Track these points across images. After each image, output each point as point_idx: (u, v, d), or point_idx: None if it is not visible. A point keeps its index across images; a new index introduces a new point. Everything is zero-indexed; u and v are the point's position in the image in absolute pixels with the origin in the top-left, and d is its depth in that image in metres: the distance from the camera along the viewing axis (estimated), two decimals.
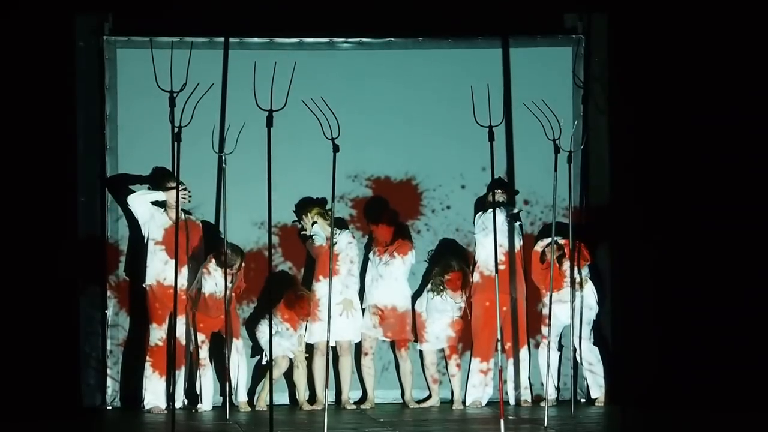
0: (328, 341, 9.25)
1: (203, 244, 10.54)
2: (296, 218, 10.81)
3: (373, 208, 10.91)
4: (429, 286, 10.60)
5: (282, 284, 10.55)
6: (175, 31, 10.50)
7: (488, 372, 10.66)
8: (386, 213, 10.79)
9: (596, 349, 10.61)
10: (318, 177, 10.14)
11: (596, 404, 10.59)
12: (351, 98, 10.70)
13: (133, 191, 10.54)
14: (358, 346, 10.72)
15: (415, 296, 10.72)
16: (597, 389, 10.66)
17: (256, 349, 10.60)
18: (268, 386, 9.43)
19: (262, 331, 10.31)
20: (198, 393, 10.45)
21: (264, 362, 10.36)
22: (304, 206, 10.71)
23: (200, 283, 10.30)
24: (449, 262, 10.58)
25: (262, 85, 8.37)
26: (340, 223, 10.75)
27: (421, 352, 10.75)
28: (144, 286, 10.37)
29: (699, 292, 10.29)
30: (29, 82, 10.29)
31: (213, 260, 10.28)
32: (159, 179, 10.56)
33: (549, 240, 10.22)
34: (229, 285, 10.21)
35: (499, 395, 9.02)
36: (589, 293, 10.59)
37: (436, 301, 10.51)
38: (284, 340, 10.34)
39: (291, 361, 10.47)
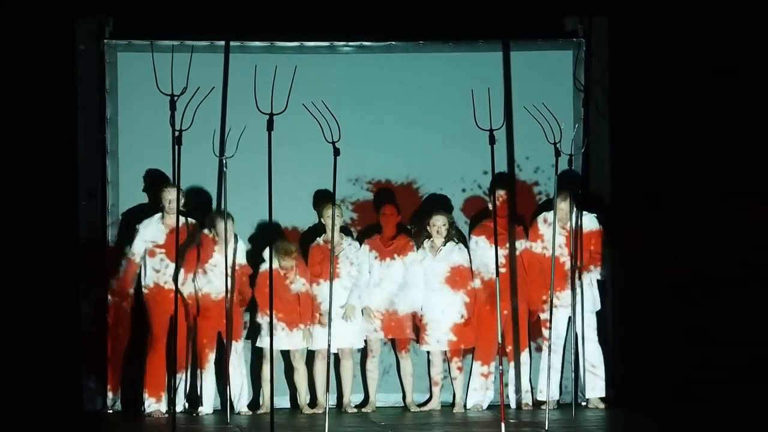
0: (329, 344, 9.26)
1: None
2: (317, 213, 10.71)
3: (381, 198, 10.85)
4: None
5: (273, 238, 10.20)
6: (175, 35, 10.50)
7: (489, 375, 10.64)
8: (393, 202, 10.76)
9: (600, 350, 10.58)
10: (319, 180, 10.14)
11: (590, 405, 10.56)
12: (352, 102, 10.69)
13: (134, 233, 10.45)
14: (362, 349, 10.70)
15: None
16: (596, 390, 10.63)
17: (256, 352, 10.58)
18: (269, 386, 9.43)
19: (262, 334, 10.31)
20: (199, 396, 10.44)
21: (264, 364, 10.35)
22: (323, 201, 10.57)
23: (200, 285, 10.31)
24: (435, 214, 10.58)
25: (262, 89, 8.38)
26: (344, 230, 10.73)
27: (428, 353, 10.74)
28: (144, 289, 10.37)
29: (701, 294, 10.28)
30: (30, 86, 10.28)
31: (214, 257, 10.24)
32: (154, 184, 10.54)
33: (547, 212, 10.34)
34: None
35: (500, 398, 9.03)
36: (590, 293, 10.57)
37: (427, 261, 10.49)
38: (282, 338, 10.29)
39: (290, 361, 10.46)
